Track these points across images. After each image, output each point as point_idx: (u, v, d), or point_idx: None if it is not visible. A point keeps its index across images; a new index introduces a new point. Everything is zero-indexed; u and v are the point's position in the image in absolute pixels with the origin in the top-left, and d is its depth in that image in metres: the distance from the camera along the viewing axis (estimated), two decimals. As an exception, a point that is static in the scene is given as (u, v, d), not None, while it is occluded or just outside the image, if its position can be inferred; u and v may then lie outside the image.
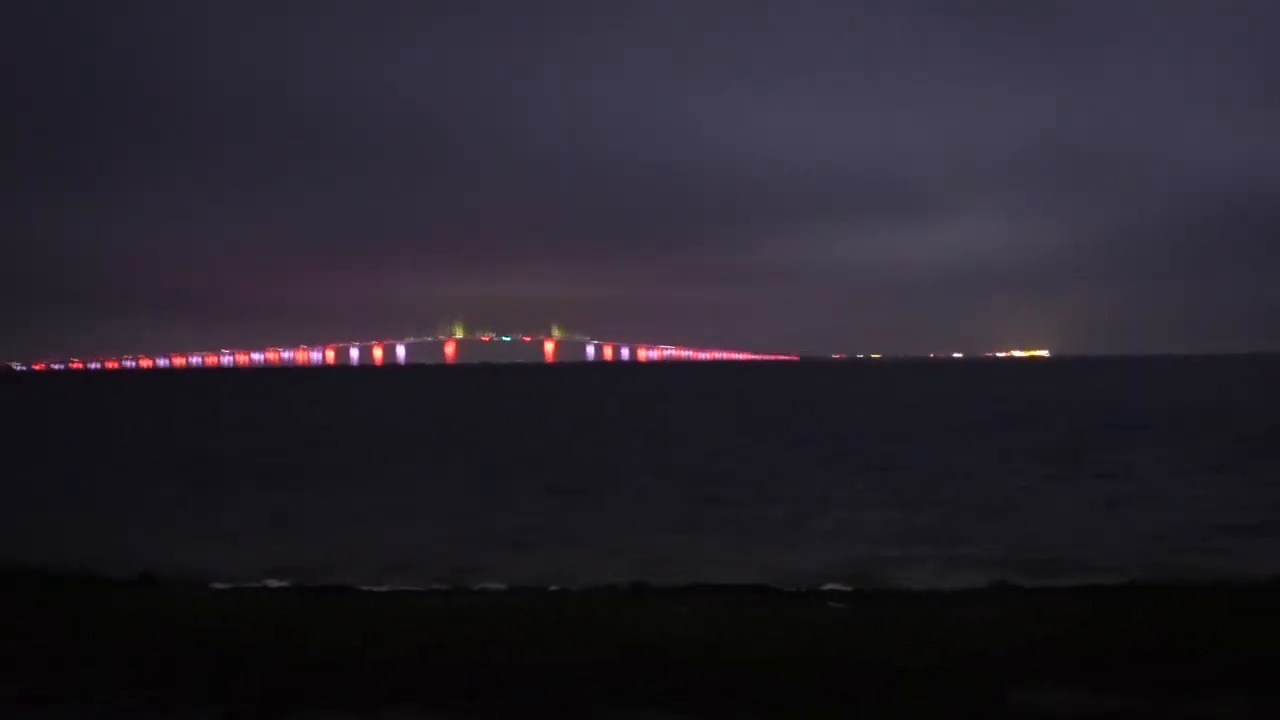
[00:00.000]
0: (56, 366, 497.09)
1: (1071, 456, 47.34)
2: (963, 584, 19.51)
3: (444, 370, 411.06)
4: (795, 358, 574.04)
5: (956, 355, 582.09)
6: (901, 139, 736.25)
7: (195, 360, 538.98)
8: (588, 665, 12.45)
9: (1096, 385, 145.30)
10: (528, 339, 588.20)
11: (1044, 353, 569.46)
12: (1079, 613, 15.19)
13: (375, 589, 19.63)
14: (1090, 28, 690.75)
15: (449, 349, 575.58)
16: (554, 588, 19.51)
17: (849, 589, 18.91)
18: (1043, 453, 49.28)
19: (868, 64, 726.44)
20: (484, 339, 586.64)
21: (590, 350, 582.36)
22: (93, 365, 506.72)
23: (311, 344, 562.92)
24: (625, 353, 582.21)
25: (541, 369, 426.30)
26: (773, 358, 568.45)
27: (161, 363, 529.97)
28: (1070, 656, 12.55)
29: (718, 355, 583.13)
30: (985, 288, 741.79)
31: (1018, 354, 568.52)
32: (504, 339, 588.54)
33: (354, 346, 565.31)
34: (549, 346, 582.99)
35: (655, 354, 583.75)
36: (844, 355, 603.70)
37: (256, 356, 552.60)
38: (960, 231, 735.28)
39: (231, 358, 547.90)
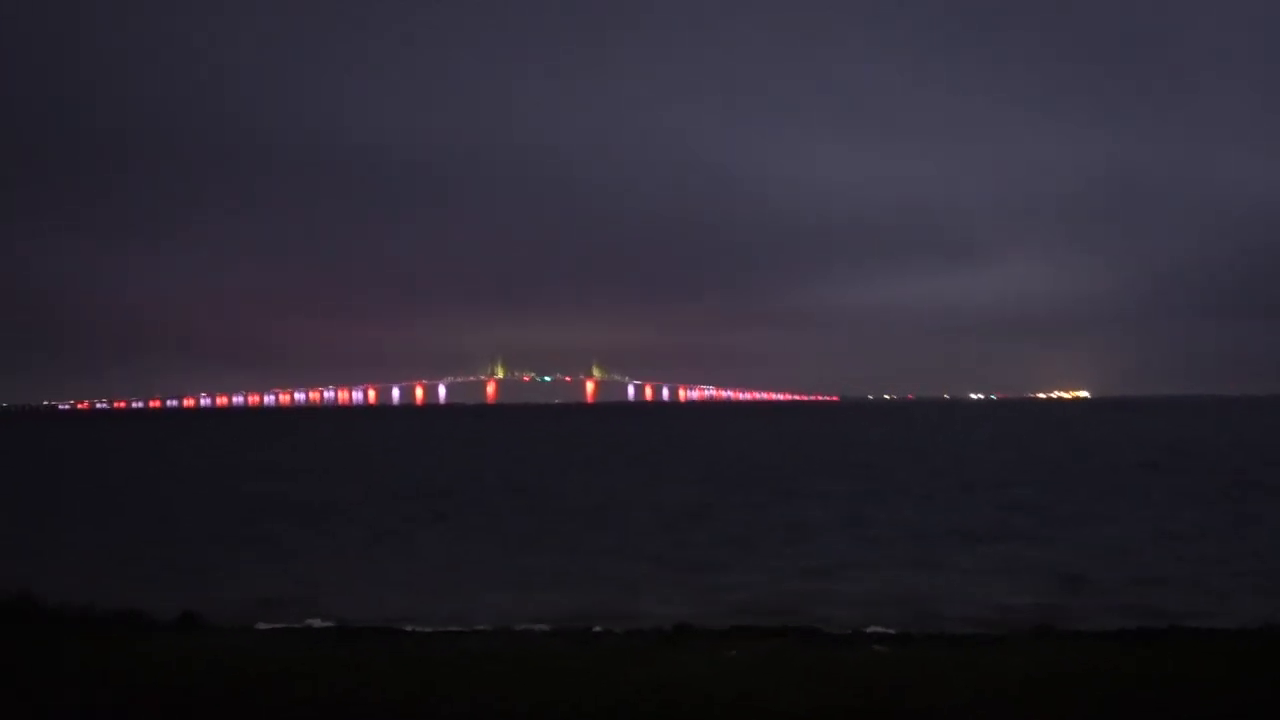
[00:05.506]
0: (100, 405, 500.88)
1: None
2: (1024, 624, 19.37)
3: (484, 410, 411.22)
4: (836, 399, 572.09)
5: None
6: (945, 181, 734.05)
7: (238, 400, 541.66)
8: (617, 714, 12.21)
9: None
10: (568, 379, 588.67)
11: (1085, 394, 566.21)
12: (1134, 657, 15.01)
13: (418, 629, 19.65)
14: (1134, 68, 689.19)
15: (489, 389, 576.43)
16: (598, 629, 19.45)
17: (893, 631, 18.81)
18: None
19: (912, 106, 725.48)
20: (524, 379, 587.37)
21: (631, 390, 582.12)
22: (135, 404, 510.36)
23: (354, 384, 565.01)
24: (665, 393, 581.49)
25: (582, 409, 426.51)
26: (814, 398, 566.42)
27: (205, 402, 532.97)
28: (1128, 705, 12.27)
29: (758, 396, 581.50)
30: (1026, 329, 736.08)
31: (1059, 395, 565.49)
32: (544, 379, 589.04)
33: (395, 386, 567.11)
34: (589, 386, 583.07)
35: (695, 394, 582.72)
36: (892, 396, 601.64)
37: (299, 396, 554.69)
38: (1002, 273, 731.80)
39: (274, 397, 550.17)
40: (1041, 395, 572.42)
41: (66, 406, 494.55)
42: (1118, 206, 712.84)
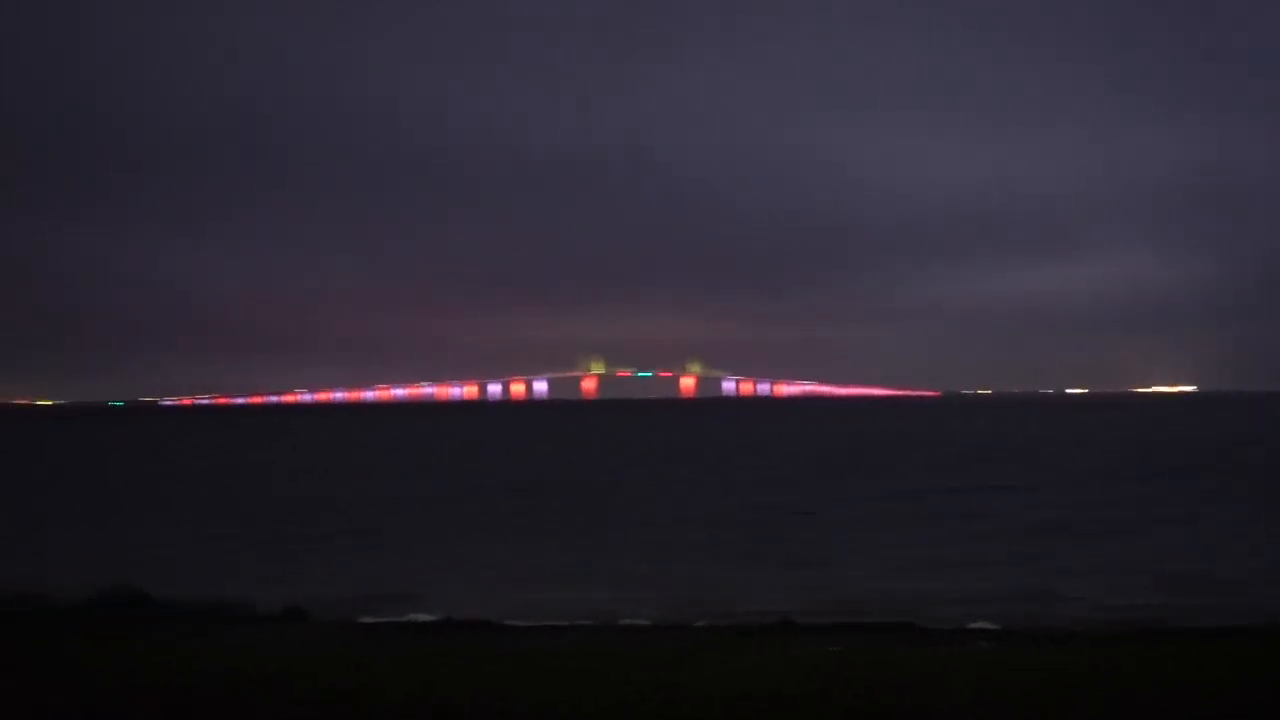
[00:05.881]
0: (203, 401, 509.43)
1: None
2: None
3: (581, 406, 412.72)
4: (937, 393, 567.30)
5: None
6: (1044, 171, 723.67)
7: (338, 396, 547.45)
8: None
9: None
10: (666, 374, 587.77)
11: (1191, 388, 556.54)
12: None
13: (518, 623, 19.71)
14: (1237, 54, 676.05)
15: (587, 385, 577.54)
16: (700, 624, 19.42)
17: (998, 627, 18.62)
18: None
19: (1010, 94, 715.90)
20: (622, 374, 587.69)
21: (728, 386, 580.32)
22: (238, 401, 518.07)
23: (453, 380, 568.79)
24: (764, 388, 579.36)
25: (680, 405, 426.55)
26: (913, 393, 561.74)
27: (305, 398, 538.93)
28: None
29: (857, 391, 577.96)
30: (1128, 322, 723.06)
31: (1160, 389, 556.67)
32: (642, 375, 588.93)
33: (494, 383, 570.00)
34: (687, 382, 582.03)
35: (794, 390, 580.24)
36: (991, 390, 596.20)
37: (398, 392, 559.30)
38: (1103, 266, 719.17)
39: (374, 393, 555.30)
40: (1143, 389, 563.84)
41: (170, 403, 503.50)
42: (1223, 197, 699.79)
